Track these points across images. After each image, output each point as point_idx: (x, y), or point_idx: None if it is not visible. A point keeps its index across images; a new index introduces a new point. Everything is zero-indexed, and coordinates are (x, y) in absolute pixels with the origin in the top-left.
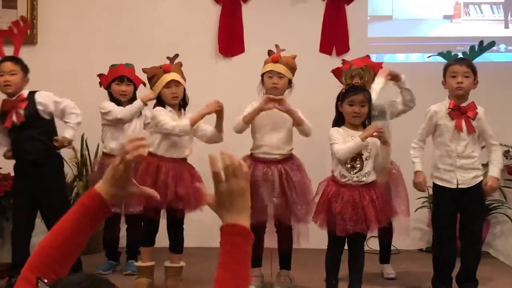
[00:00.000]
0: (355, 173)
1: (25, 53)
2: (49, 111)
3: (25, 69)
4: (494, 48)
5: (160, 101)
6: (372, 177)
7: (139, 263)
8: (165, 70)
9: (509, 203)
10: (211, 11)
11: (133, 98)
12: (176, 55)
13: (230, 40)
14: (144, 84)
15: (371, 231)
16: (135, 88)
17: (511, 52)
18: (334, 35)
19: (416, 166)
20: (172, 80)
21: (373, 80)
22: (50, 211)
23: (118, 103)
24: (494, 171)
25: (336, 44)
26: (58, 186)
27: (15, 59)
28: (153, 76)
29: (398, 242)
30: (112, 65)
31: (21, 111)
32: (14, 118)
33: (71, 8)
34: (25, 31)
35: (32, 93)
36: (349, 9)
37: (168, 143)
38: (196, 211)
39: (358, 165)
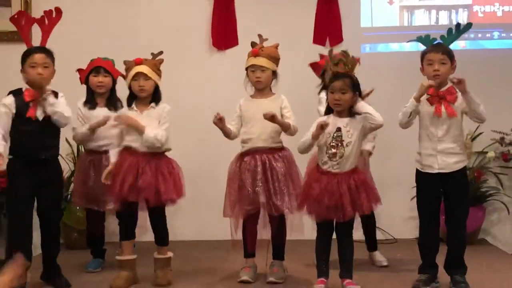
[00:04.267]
0: (336, 160)
1: (18, 51)
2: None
3: (54, 62)
4: (488, 35)
5: (132, 93)
6: (352, 164)
7: (119, 257)
8: (136, 63)
9: (505, 190)
10: (204, 4)
11: (111, 91)
12: (160, 52)
13: (224, 33)
14: (123, 77)
15: (347, 218)
16: (114, 82)
17: (507, 39)
18: (327, 26)
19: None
20: (140, 73)
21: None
22: (48, 211)
23: (94, 96)
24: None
25: (329, 35)
26: (60, 186)
27: (47, 51)
28: (127, 68)
29: (395, 231)
30: (91, 60)
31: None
32: (39, 112)
33: (64, 4)
34: (56, 23)
35: (55, 93)
36: None
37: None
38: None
39: (338, 152)
